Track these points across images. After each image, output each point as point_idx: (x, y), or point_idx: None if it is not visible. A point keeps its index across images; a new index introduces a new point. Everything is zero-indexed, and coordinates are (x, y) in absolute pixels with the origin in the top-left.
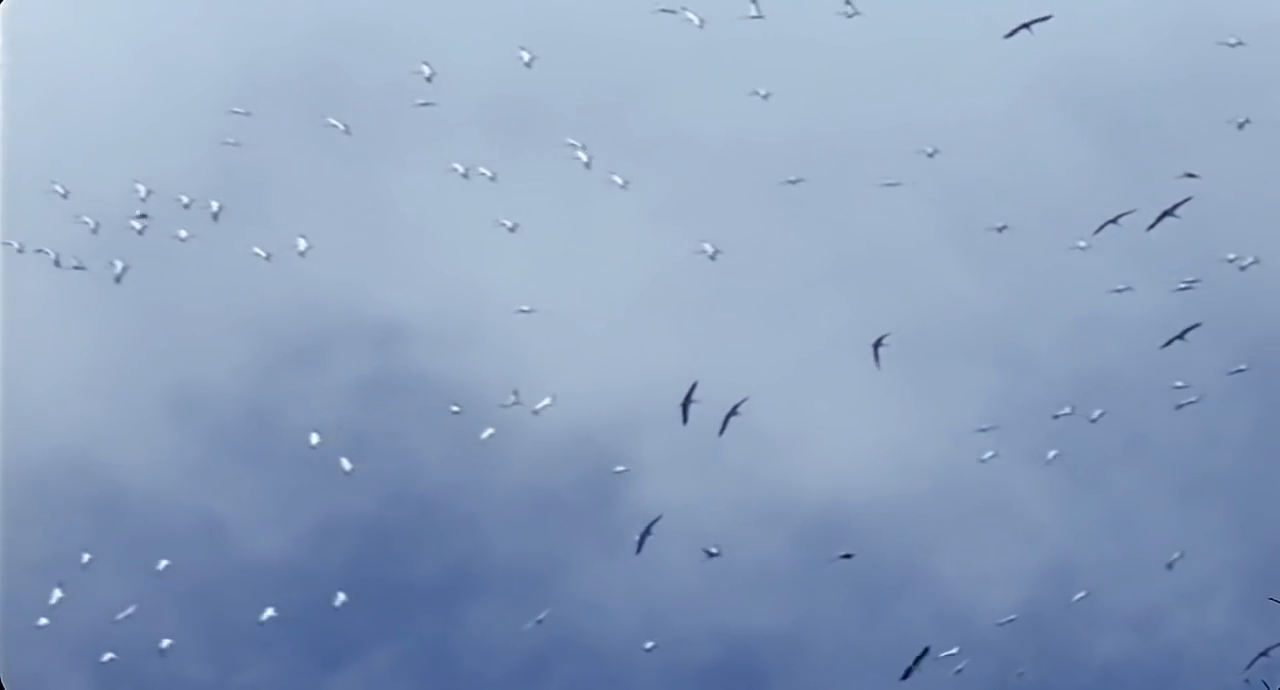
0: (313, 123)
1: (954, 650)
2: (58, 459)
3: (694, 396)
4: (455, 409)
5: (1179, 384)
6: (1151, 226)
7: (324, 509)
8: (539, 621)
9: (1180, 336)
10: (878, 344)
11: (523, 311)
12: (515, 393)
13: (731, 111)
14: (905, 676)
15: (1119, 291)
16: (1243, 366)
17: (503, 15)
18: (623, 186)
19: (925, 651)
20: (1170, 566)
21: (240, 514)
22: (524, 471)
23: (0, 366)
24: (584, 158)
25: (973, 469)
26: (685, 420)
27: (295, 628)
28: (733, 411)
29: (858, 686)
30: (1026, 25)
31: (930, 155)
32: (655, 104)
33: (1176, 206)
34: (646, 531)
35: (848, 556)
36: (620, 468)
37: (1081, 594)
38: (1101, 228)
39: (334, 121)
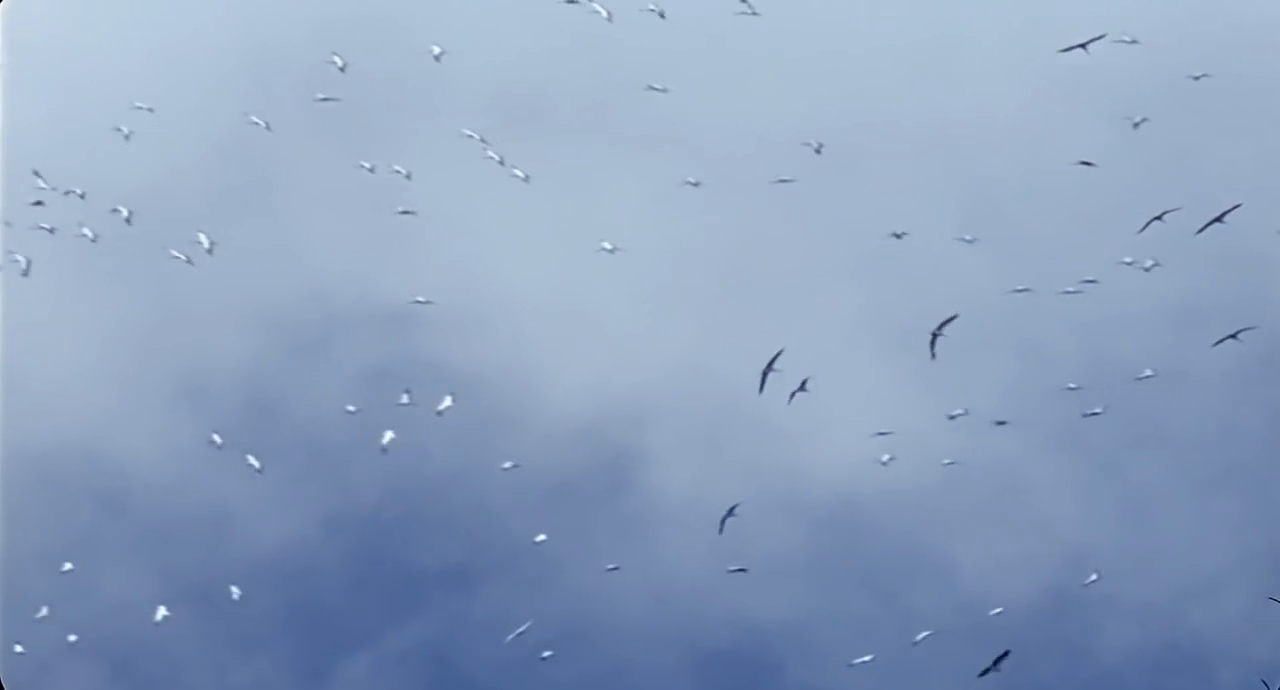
0: (317, 111)
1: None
2: (62, 449)
3: (775, 365)
4: (405, 400)
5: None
6: (1200, 230)
7: (331, 498)
8: (521, 633)
9: (1233, 336)
10: (936, 334)
11: (533, 300)
12: (408, 392)
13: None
14: (983, 675)
15: (1146, 268)
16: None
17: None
18: (524, 180)
19: (1006, 653)
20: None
21: (248, 503)
22: (534, 459)
23: (4, 356)
24: (494, 155)
25: (986, 458)
26: (762, 388)
27: (305, 615)
28: (801, 387)
29: (869, 675)
30: (1083, 45)
31: (941, 147)
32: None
33: (1225, 213)
34: (729, 513)
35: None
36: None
37: (1094, 577)
38: (1146, 225)
39: (325, 96)
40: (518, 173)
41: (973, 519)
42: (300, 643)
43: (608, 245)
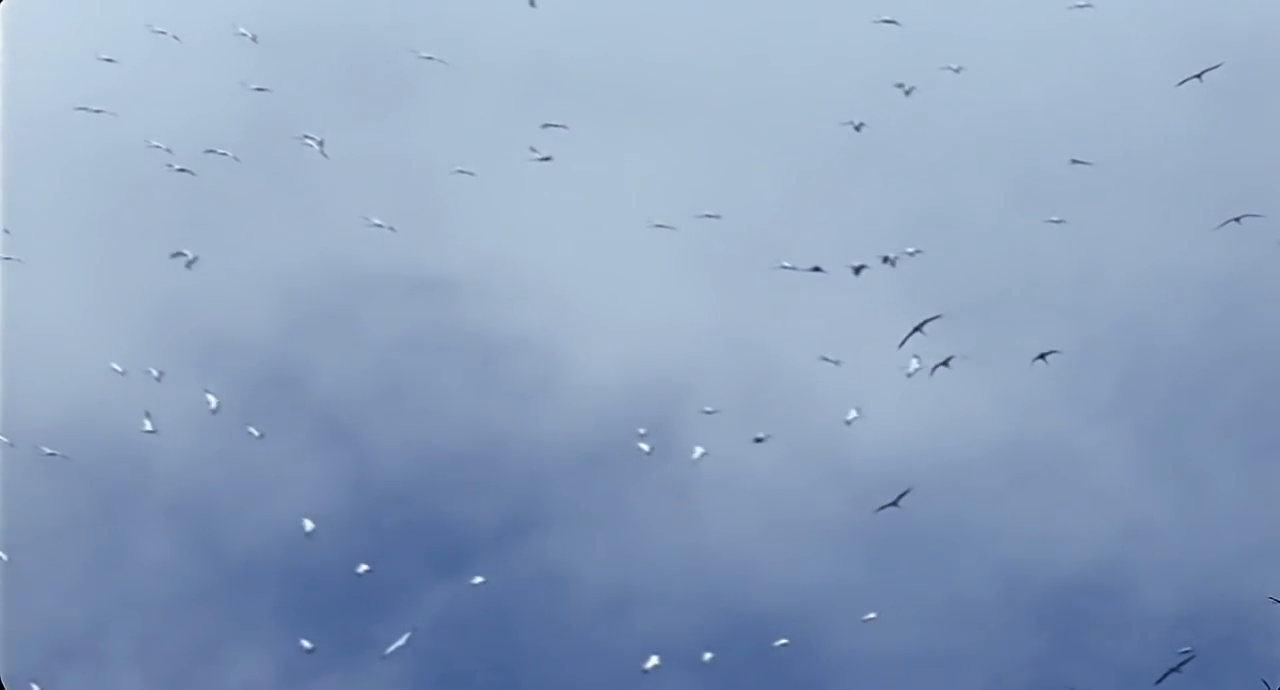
0: (340, 80)
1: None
2: (75, 416)
3: (924, 328)
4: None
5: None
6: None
7: (356, 466)
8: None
9: (1236, 220)
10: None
11: (571, 269)
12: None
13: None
14: (1160, 680)
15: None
16: None
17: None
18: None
19: (1189, 655)
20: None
21: (274, 470)
22: (572, 426)
23: (14, 323)
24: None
25: (1035, 433)
26: (902, 344)
27: (336, 582)
28: (945, 362)
29: (915, 644)
30: (1198, 76)
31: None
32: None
33: (1241, 218)
34: (896, 501)
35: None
36: (643, 430)
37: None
38: (1224, 224)
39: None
40: (535, 152)
41: (1023, 492)
42: (331, 613)
43: (660, 222)
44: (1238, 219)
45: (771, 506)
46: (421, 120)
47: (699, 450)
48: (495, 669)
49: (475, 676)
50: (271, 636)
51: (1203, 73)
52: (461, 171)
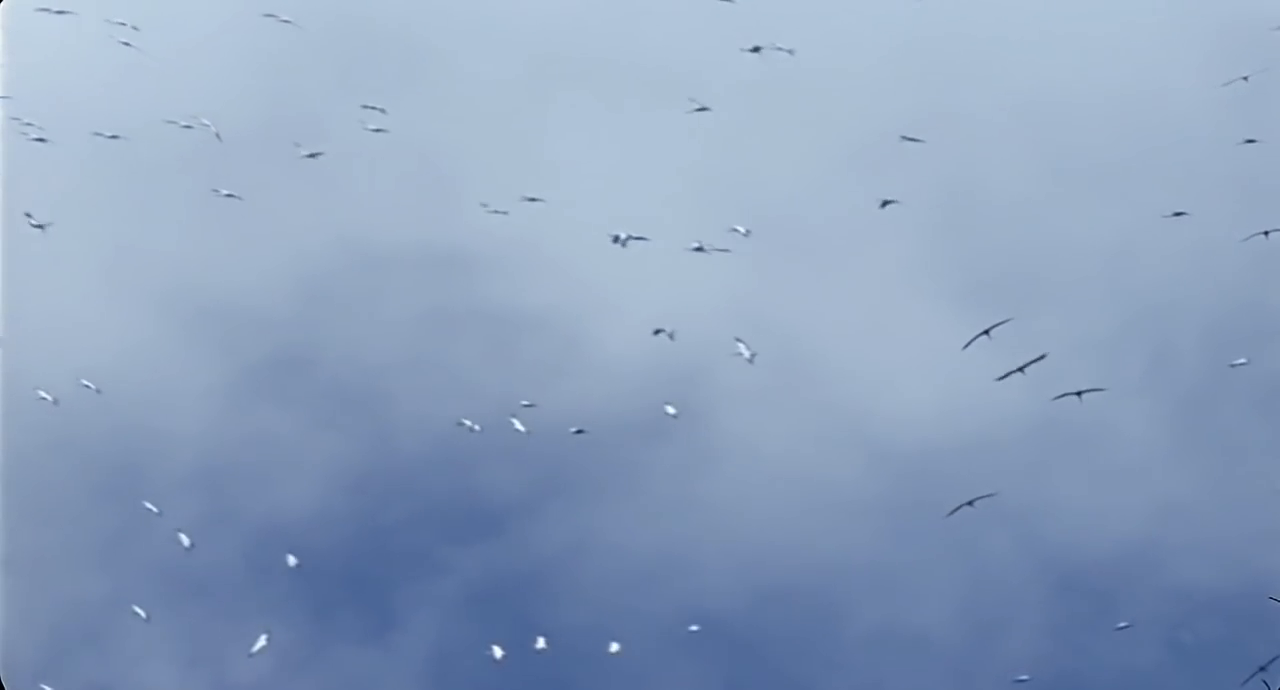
0: (357, 59)
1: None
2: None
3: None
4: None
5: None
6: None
7: (380, 440)
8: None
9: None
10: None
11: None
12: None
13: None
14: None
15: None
16: None
17: None
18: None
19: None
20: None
21: (298, 443)
22: (598, 402)
23: (33, 299)
24: None
25: (1067, 411)
26: (967, 345)
27: (356, 555)
28: (1039, 359)
29: (940, 617)
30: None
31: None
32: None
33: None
34: (968, 503)
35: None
36: (671, 409)
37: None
38: (1251, 237)
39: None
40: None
41: (1048, 470)
42: (354, 585)
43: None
44: (1265, 233)
45: (797, 483)
46: (441, 98)
47: (670, 409)
48: (515, 640)
49: (500, 645)
50: (295, 610)
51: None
52: (478, 150)
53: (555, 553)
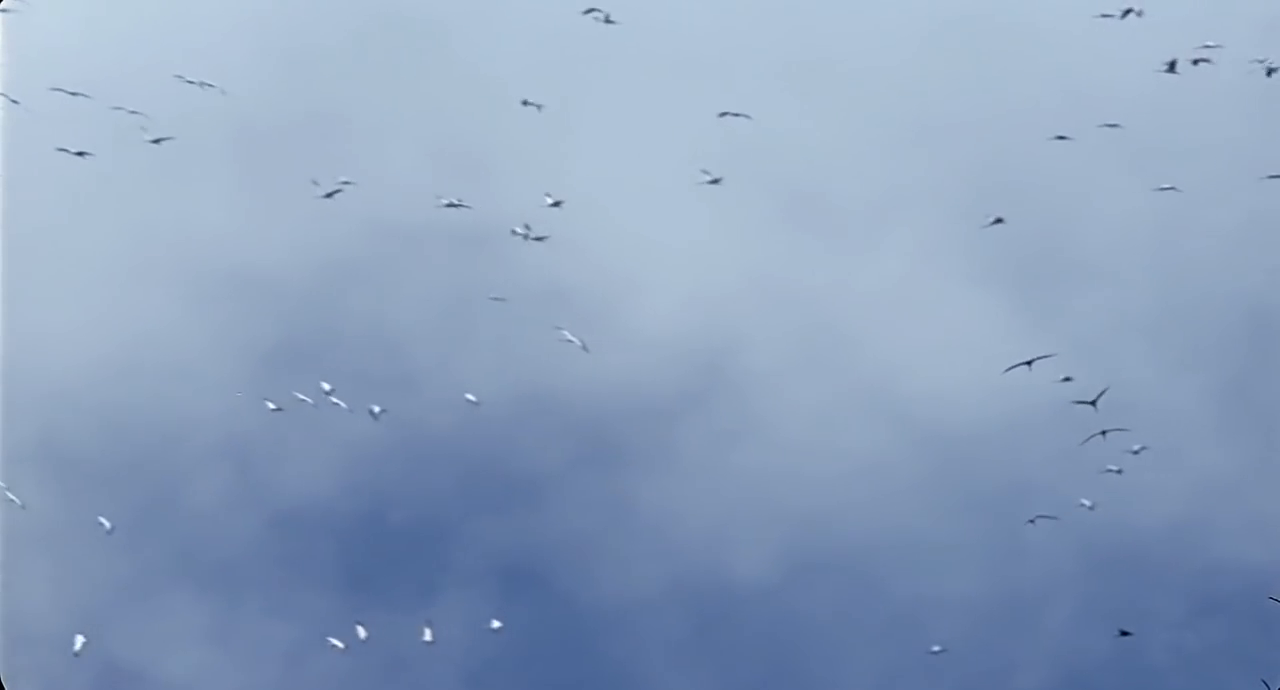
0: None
1: None
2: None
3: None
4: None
5: None
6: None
7: (410, 418)
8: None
9: None
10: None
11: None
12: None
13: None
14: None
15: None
16: None
17: None
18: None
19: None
20: None
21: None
22: (623, 377)
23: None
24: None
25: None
26: (1009, 369)
27: (397, 530)
28: (1101, 394)
29: (964, 589)
30: None
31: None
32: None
33: None
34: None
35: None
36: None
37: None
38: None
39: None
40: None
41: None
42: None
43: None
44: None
45: (831, 456)
46: (472, 67)
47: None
48: (549, 615)
49: (534, 618)
50: (333, 582)
51: None
52: (521, 115)
53: (590, 525)
